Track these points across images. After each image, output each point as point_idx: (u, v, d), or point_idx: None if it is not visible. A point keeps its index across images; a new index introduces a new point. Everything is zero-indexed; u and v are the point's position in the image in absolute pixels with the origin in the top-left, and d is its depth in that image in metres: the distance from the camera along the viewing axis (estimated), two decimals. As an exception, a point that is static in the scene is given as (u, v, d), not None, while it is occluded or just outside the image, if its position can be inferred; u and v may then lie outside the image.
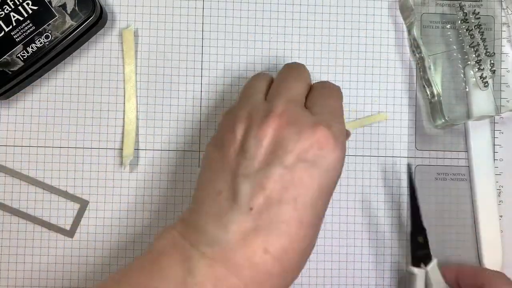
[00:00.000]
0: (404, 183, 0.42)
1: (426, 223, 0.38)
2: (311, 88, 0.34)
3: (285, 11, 0.42)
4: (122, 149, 0.41)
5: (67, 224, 0.41)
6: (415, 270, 0.36)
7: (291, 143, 0.29)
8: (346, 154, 0.42)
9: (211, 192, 0.30)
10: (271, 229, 0.28)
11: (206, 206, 0.29)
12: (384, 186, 0.42)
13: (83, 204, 0.41)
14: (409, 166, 0.39)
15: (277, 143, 0.29)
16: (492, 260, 0.41)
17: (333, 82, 0.42)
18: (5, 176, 0.41)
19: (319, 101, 0.33)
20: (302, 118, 0.30)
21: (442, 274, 0.37)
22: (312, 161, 0.29)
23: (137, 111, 0.41)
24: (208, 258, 0.28)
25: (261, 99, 0.33)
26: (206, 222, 0.29)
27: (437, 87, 0.41)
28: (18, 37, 0.38)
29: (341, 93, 0.35)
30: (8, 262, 0.40)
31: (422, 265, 0.37)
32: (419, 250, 0.37)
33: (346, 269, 0.41)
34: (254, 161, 0.29)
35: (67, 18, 0.38)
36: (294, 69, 0.35)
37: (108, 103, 0.41)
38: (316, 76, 0.42)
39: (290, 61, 0.42)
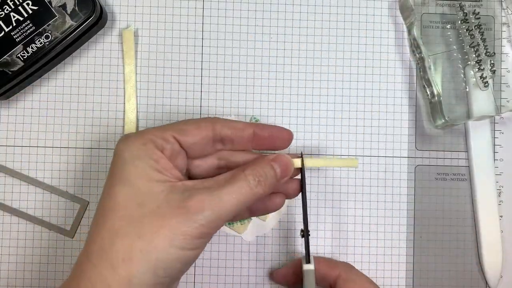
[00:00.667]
0: (404, 183, 0.42)
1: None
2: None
3: (285, 11, 0.42)
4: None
5: (67, 224, 0.41)
6: (305, 266, 0.36)
7: None
8: (347, 154, 0.42)
9: None
10: None
11: None
12: (385, 186, 0.42)
13: (83, 204, 0.41)
14: (302, 168, 0.35)
15: None
16: (492, 260, 0.41)
17: (333, 82, 0.42)
18: (5, 176, 0.41)
19: None
20: None
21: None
22: None
23: (137, 111, 0.41)
24: None
25: None
26: None
27: (437, 87, 0.41)
28: (18, 37, 0.38)
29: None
30: (8, 262, 0.40)
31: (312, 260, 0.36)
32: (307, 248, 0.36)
33: (346, 269, 0.41)
34: None
35: (67, 18, 0.38)
36: None
37: (108, 103, 0.41)
38: (316, 76, 0.42)
39: (289, 62, 0.42)
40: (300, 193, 0.36)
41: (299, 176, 0.36)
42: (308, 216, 0.36)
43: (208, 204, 0.29)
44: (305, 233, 0.35)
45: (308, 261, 0.35)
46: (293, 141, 0.41)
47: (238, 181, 0.31)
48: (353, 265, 0.40)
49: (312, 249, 0.41)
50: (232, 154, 0.35)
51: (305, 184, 0.35)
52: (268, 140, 0.35)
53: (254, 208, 0.36)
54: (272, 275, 0.40)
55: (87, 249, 0.30)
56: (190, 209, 0.29)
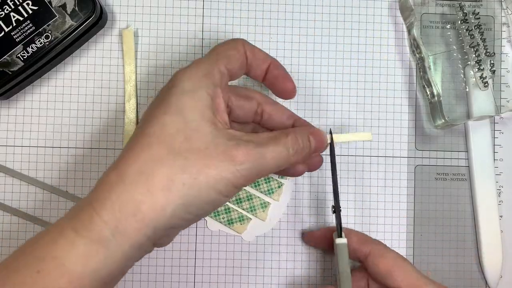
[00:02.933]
0: (404, 183, 0.42)
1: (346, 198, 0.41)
2: None
3: (285, 11, 0.42)
4: (122, 149, 0.41)
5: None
6: (337, 240, 0.36)
7: None
8: (347, 154, 0.42)
9: None
10: None
11: None
12: (384, 186, 0.42)
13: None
14: (331, 144, 0.36)
15: None
16: (492, 260, 0.41)
17: (333, 82, 0.42)
18: (5, 176, 0.41)
19: None
20: None
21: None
22: None
23: (137, 111, 0.41)
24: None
25: None
26: None
27: (437, 87, 0.41)
28: (18, 37, 0.38)
29: None
30: (8, 262, 0.40)
31: (343, 235, 0.37)
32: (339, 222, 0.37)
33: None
34: None
35: (67, 18, 0.38)
36: None
37: (108, 103, 0.41)
38: (316, 76, 0.42)
39: (289, 62, 0.42)
40: (329, 166, 0.37)
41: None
42: (339, 193, 0.37)
43: (253, 158, 0.30)
44: (336, 209, 0.37)
45: (340, 235, 0.36)
46: (293, 141, 0.42)
47: (280, 145, 0.31)
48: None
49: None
50: (266, 103, 0.36)
51: (335, 160, 0.37)
52: (272, 81, 0.36)
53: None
54: (304, 235, 0.41)
55: (120, 168, 0.29)
56: (236, 158, 0.29)
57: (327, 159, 0.38)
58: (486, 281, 0.42)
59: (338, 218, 0.37)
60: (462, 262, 0.42)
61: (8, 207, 0.41)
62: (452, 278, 0.42)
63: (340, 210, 0.37)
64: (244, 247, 0.41)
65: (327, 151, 0.36)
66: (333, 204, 0.37)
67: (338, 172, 0.42)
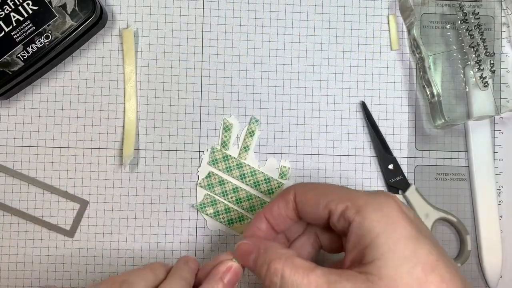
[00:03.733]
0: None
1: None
2: None
3: (285, 11, 0.42)
4: (122, 149, 0.41)
5: (67, 224, 0.41)
6: None
7: None
8: (347, 154, 0.42)
9: None
10: None
11: None
12: (385, 186, 0.42)
13: (83, 204, 0.41)
14: (363, 103, 0.40)
15: None
16: (492, 260, 0.41)
17: (333, 82, 0.42)
18: (5, 176, 0.41)
19: None
20: None
21: None
22: None
23: (137, 111, 0.41)
24: None
25: None
26: None
27: (437, 87, 0.41)
28: (18, 37, 0.38)
29: None
30: (8, 262, 0.40)
31: (400, 191, 0.35)
32: (392, 178, 0.35)
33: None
34: None
35: (67, 18, 0.38)
36: None
37: (108, 103, 0.41)
38: (316, 76, 0.42)
39: (289, 62, 0.42)
40: None
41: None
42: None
43: None
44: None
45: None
46: (293, 142, 0.42)
47: None
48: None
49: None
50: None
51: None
52: None
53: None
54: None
55: None
56: None
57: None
58: (486, 281, 0.42)
59: None
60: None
61: (8, 207, 0.41)
62: (452, 278, 0.42)
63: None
64: (244, 247, 0.41)
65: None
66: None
67: (338, 173, 0.42)
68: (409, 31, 0.42)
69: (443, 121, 0.41)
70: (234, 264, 0.32)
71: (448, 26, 0.42)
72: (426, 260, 0.27)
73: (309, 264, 0.29)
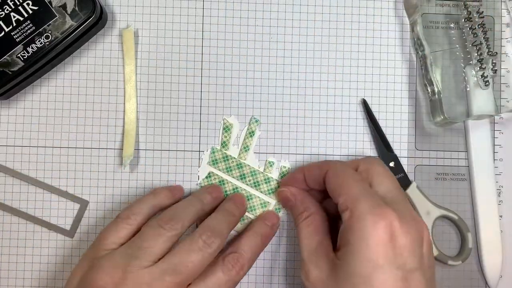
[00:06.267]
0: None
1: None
2: None
3: (285, 12, 0.42)
4: (122, 149, 0.41)
5: (67, 224, 0.41)
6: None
7: None
8: (347, 154, 0.42)
9: None
10: None
11: None
12: (384, 186, 0.42)
13: (83, 204, 0.41)
14: (364, 101, 0.41)
15: None
16: (492, 260, 0.41)
17: (333, 82, 0.42)
18: (5, 176, 0.41)
19: None
20: None
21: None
22: None
23: (137, 111, 0.41)
24: None
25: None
26: None
27: (438, 85, 0.41)
28: (18, 37, 0.38)
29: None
30: (8, 262, 0.40)
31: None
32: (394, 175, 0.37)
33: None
34: None
35: (67, 18, 0.38)
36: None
37: (108, 103, 0.41)
38: (316, 76, 0.42)
39: (289, 62, 0.42)
40: None
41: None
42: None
43: None
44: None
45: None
46: (293, 141, 0.42)
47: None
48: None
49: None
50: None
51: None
52: None
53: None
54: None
55: None
56: None
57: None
58: (486, 281, 0.42)
59: None
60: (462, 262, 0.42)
61: (8, 207, 0.41)
62: (452, 278, 0.42)
63: None
64: (244, 247, 0.41)
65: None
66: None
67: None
68: (412, 29, 0.42)
69: (442, 117, 0.41)
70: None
71: (451, 25, 0.42)
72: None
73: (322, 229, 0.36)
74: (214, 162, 0.41)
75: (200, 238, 0.34)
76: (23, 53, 0.38)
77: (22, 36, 0.38)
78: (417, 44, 0.42)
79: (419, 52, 0.42)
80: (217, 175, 0.41)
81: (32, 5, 0.38)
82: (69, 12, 0.38)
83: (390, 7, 0.43)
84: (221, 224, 0.36)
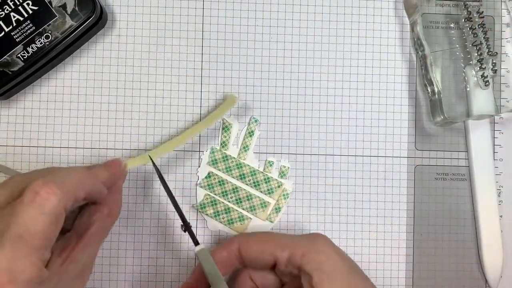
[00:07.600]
0: (404, 183, 0.42)
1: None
2: None
3: (285, 11, 0.42)
4: (121, 149, 0.41)
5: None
6: (196, 248, 0.35)
7: None
8: (347, 154, 0.42)
9: None
10: None
11: None
12: (384, 186, 0.42)
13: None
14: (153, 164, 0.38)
15: None
16: (492, 260, 0.41)
17: (333, 82, 0.42)
18: (5, 176, 0.41)
19: None
20: None
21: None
22: None
23: (137, 111, 0.41)
24: None
25: None
26: None
27: (438, 85, 0.41)
28: (18, 37, 0.38)
29: None
30: (8, 262, 0.40)
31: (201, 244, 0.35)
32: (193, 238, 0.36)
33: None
34: None
35: (67, 18, 0.38)
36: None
37: (108, 103, 0.41)
38: (316, 76, 0.42)
39: (289, 62, 0.42)
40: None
41: None
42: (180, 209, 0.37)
43: None
44: (186, 226, 0.36)
45: (197, 243, 0.35)
46: (293, 141, 0.42)
47: None
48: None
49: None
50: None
51: (163, 180, 0.37)
52: None
53: None
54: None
55: None
56: None
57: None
58: (486, 281, 0.42)
59: (191, 233, 0.36)
60: (462, 262, 0.42)
61: (8, 207, 0.41)
62: (452, 278, 0.42)
63: (191, 226, 0.36)
64: (244, 247, 0.41)
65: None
66: (181, 224, 0.36)
67: (337, 172, 0.42)
68: (412, 29, 0.42)
69: (442, 117, 0.41)
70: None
71: (452, 25, 0.42)
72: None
73: None
74: (213, 162, 0.41)
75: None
76: (23, 53, 0.38)
77: (22, 36, 0.38)
78: (417, 44, 0.42)
79: (419, 52, 0.42)
80: (217, 175, 0.41)
81: (32, 5, 0.38)
82: (69, 12, 0.38)
83: (390, 7, 0.43)
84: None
